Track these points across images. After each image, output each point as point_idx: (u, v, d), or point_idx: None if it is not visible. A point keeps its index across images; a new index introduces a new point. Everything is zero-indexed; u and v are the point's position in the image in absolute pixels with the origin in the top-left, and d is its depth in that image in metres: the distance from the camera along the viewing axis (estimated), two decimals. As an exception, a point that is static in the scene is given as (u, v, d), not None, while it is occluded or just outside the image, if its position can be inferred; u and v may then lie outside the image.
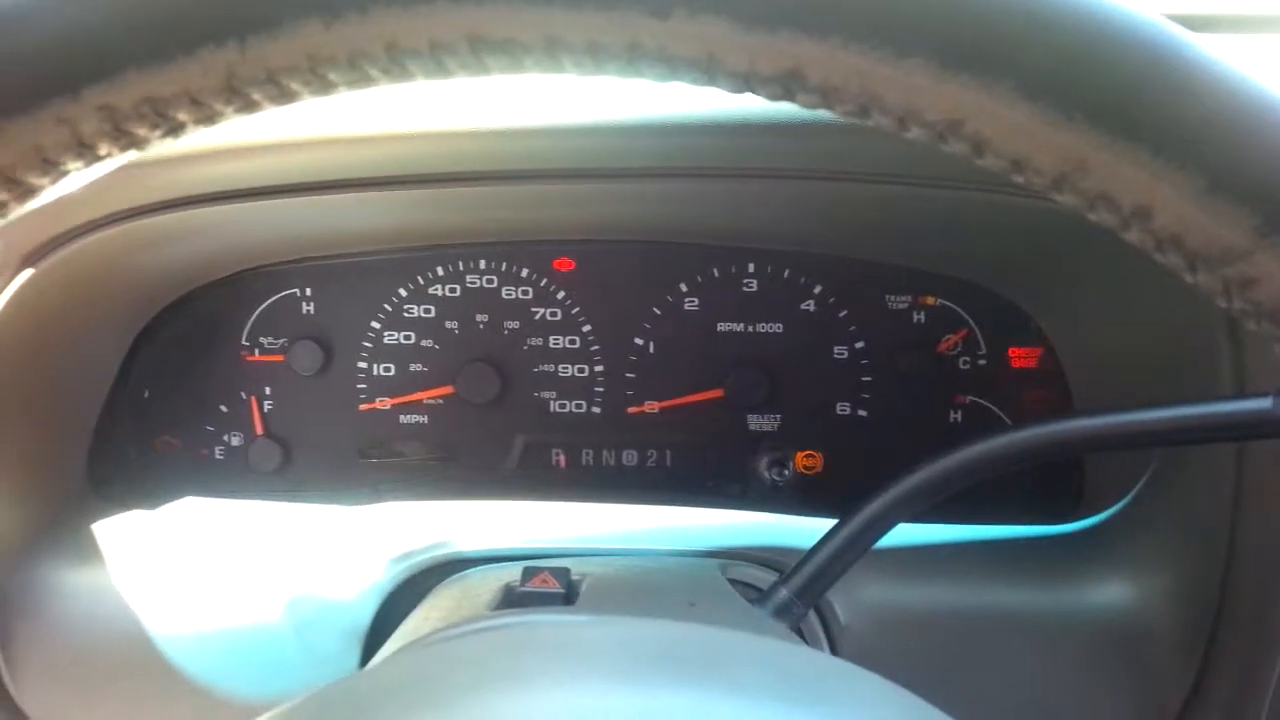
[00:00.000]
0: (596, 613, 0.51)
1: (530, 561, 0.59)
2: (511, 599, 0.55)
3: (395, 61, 0.28)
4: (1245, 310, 0.28)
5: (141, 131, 0.28)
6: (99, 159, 0.29)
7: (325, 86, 0.28)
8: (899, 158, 0.66)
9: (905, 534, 0.72)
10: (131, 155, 0.29)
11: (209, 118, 0.29)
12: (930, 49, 0.26)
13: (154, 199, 0.67)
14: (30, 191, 0.29)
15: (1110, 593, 0.71)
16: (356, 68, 0.28)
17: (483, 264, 0.84)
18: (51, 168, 0.28)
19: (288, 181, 0.69)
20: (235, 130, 0.63)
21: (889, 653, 0.68)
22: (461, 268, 0.84)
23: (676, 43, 0.27)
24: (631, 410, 0.85)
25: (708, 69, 0.27)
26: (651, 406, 0.85)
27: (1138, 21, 0.26)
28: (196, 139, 0.62)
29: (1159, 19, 0.26)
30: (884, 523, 0.62)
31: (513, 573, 0.58)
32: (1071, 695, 0.69)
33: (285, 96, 0.28)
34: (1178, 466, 0.70)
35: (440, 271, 0.84)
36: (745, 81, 0.28)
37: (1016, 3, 0.26)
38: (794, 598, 0.62)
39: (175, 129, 0.29)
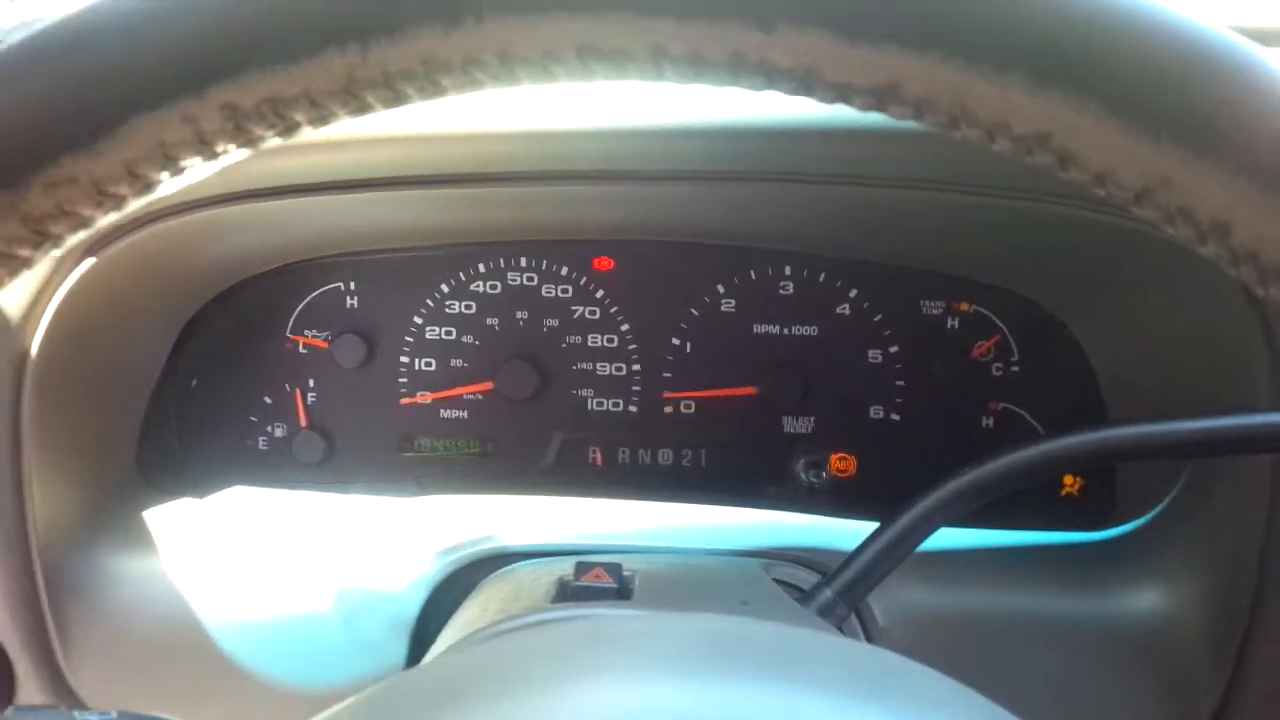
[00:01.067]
0: (657, 608, 0.52)
1: (577, 557, 0.61)
2: (567, 593, 0.56)
3: (506, 68, 0.29)
4: None
5: (259, 130, 0.29)
6: (216, 156, 0.30)
7: (436, 90, 0.30)
8: (932, 164, 0.67)
9: (942, 539, 0.73)
10: (244, 154, 0.31)
11: (323, 118, 0.30)
12: (1026, 67, 0.27)
13: (211, 193, 0.68)
14: (149, 186, 0.30)
15: (1143, 600, 0.72)
16: (468, 73, 0.29)
17: (523, 262, 0.85)
18: (172, 163, 0.29)
19: (337, 178, 0.71)
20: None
21: (925, 655, 0.69)
22: (502, 265, 0.85)
23: (777, 54, 0.28)
24: (668, 409, 0.86)
25: (805, 80, 0.29)
26: (688, 405, 0.86)
27: (1220, 42, 0.27)
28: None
29: (1239, 39, 0.28)
30: (926, 526, 0.63)
31: (564, 567, 0.60)
32: (1103, 701, 0.70)
33: (398, 99, 0.30)
34: (1211, 475, 0.71)
35: (482, 269, 0.85)
36: (841, 93, 0.29)
37: (1107, 24, 0.27)
38: (837, 598, 0.63)
39: (291, 129, 0.30)
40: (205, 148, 0.29)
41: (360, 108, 0.30)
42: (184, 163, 0.29)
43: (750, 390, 0.85)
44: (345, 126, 0.67)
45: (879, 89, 0.28)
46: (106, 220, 0.30)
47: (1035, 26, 0.27)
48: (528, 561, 0.69)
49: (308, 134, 0.66)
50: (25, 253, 0.29)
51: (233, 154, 0.30)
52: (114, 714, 0.44)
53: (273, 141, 0.30)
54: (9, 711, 0.44)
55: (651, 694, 0.31)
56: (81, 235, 0.30)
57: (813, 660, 0.34)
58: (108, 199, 0.29)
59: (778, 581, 0.67)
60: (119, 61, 0.28)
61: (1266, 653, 0.68)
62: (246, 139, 0.29)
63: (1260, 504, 0.67)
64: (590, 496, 0.79)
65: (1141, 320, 0.77)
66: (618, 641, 0.35)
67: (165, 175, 0.30)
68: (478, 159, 0.70)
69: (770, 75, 0.29)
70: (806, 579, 0.68)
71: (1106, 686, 0.71)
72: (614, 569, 0.56)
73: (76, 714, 0.44)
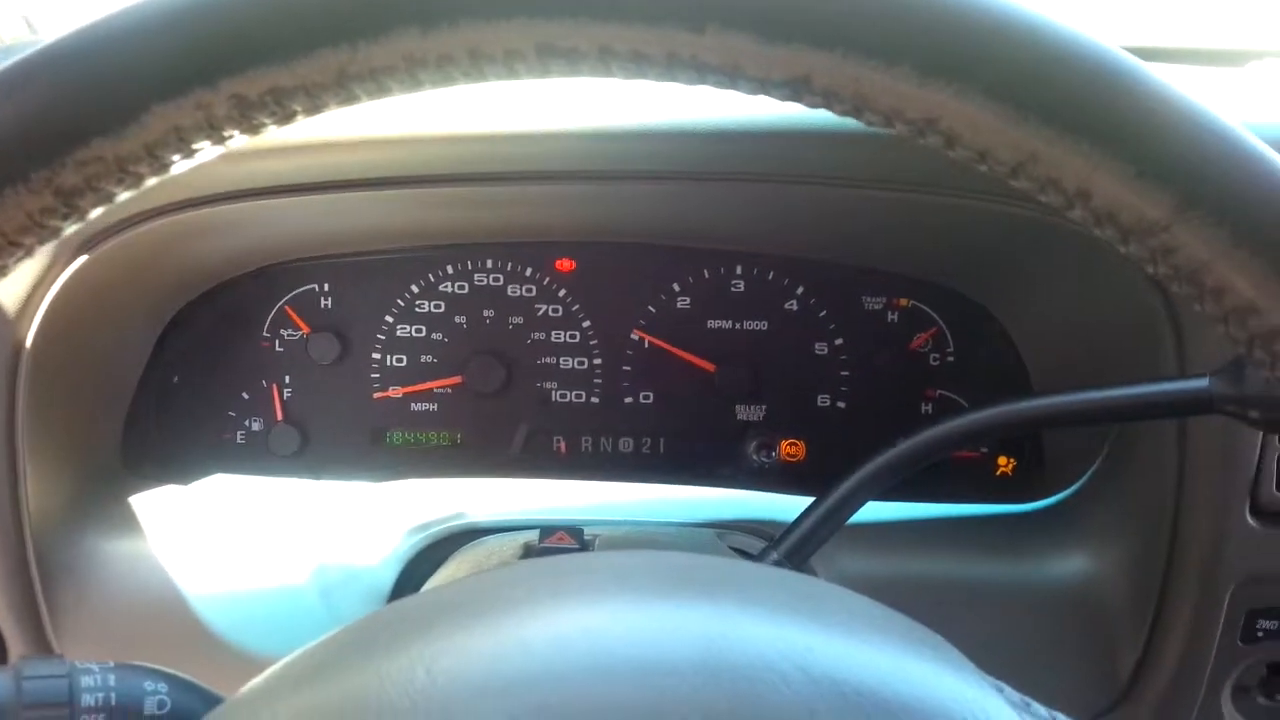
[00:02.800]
0: None
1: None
2: (533, 554, 0.61)
3: (475, 65, 0.34)
4: (1168, 274, 0.34)
5: (262, 118, 0.34)
6: (224, 140, 0.35)
7: (415, 84, 0.35)
8: (872, 164, 0.73)
9: (883, 511, 0.79)
10: (247, 140, 0.35)
11: (318, 108, 0.35)
12: (913, 60, 0.32)
13: (195, 194, 0.73)
14: (165, 166, 0.35)
15: (1068, 565, 0.78)
16: (443, 70, 0.34)
17: (489, 263, 0.90)
18: (185, 146, 0.34)
19: (312, 180, 0.75)
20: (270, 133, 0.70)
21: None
22: (469, 266, 0.90)
23: (707, 53, 0.33)
24: (628, 400, 0.92)
25: (731, 75, 0.34)
26: (646, 396, 0.91)
27: (1083, 41, 0.33)
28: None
29: (1099, 39, 0.33)
30: (862, 494, 0.69)
31: (530, 536, 0.64)
32: (1033, 660, 0.76)
33: (382, 92, 0.35)
34: (1128, 448, 0.78)
35: (450, 270, 0.90)
36: (761, 86, 0.34)
37: (985, 23, 0.32)
38: (783, 560, 0.68)
39: (289, 117, 0.35)
40: (215, 132, 0.34)
41: (349, 99, 0.35)
42: (196, 145, 0.34)
43: (709, 367, 0.90)
44: (319, 130, 0.72)
45: (793, 82, 0.34)
46: (127, 195, 0.35)
47: (921, 26, 0.32)
48: (496, 535, 0.73)
49: (283, 137, 0.71)
50: (54, 223, 0.34)
51: (238, 139, 0.35)
52: (112, 664, 0.48)
53: (272, 128, 0.35)
54: (16, 660, 0.47)
55: (606, 612, 0.35)
56: (100, 210, 0.35)
57: (752, 582, 0.39)
58: (128, 176, 0.34)
59: (730, 548, 0.72)
60: (144, 57, 0.32)
61: (1181, 610, 0.74)
62: (250, 125, 0.34)
63: (1169, 475, 0.73)
64: (557, 480, 0.84)
65: (1061, 309, 0.83)
66: (580, 571, 0.40)
67: (178, 157, 0.34)
68: (446, 160, 0.75)
69: (701, 71, 0.34)
70: (757, 546, 0.73)
71: (1036, 645, 0.76)
72: (576, 532, 0.61)
73: (78, 664, 0.47)
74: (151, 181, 0.35)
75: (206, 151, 0.35)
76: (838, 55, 0.33)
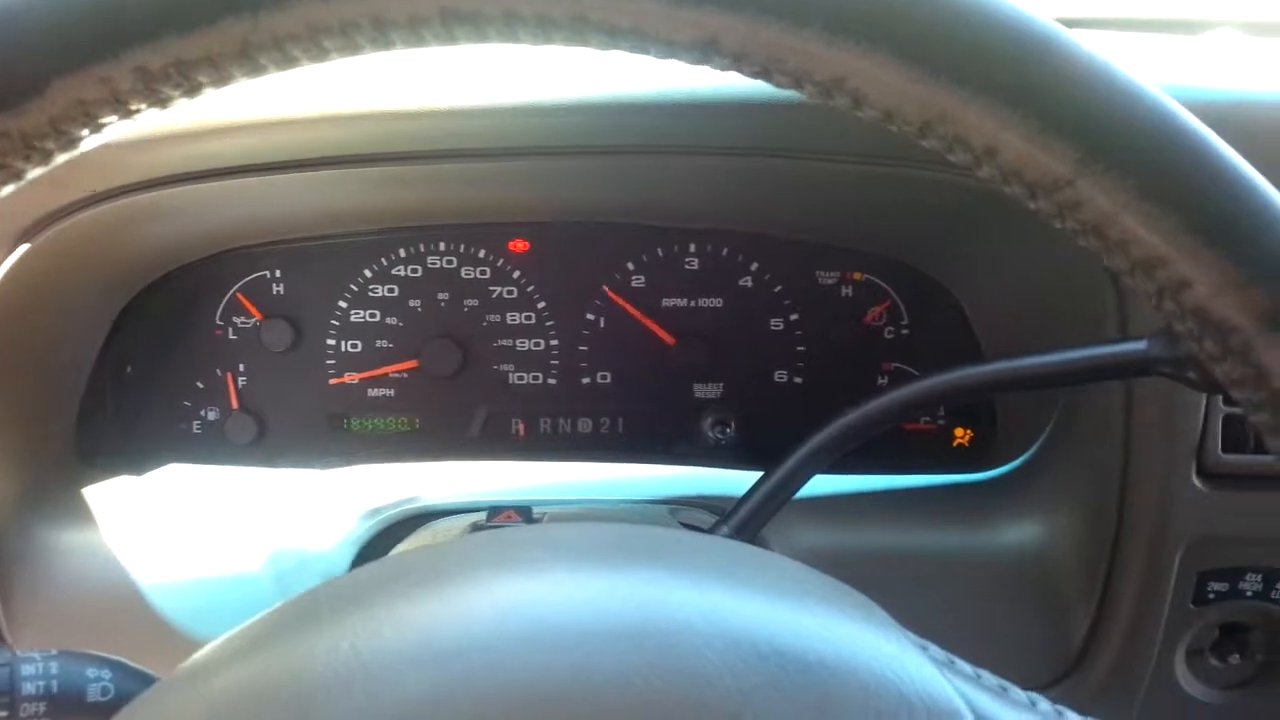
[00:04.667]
0: None
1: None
2: (479, 530, 0.61)
3: (380, 31, 0.34)
4: (1075, 228, 0.35)
5: (167, 90, 0.34)
6: (131, 114, 0.34)
7: (321, 54, 0.34)
8: (818, 136, 0.73)
9: (838, 483, 0.79)
10: (155, 112, 0.35)
11: (223, 79, 0.34)
12: (823, 21, 0.32)
13: (138, 177, 0.72)
14: (72, 142, 0.34)
15: (1020, 533, 0.78)
16: (348, 36, 0.34)
17: (442, 246, 0.90)
18: (91, 121, 0.34)
19: (258, 161, 0.74)
20: (211, 111, 0.69)
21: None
22: (422, 249, 0.90)
23: (616, 16, 0.33)
24: (585, 381, 0.92)
25: (640, 38, 0.34)
26: (604, 376, 0.91)
27: (989, 2, 0.33)
28: (175, 120, 0.68)
29: (1006, 2, 0.33)
30: (811, 466, 0.69)
31: (478, 517, 0.64)
32: (987, 626, 0.77)
33: (288, 62, 0.34)
34: (1075, 415, 0.78)
35: (402, 253, 0.90)
36: (670, 48, 0.34)
37: None
38: (733, 535, 0.69)
39: (195, 89, 0.34)
40: (120, 106, 0.33)
41: (255, 69, 0.34)
42: (102, 120, 0.34)
43: (669, 340, 0.91)
44: (265, 109, 0.72)
45: (701, 44, 0.34)
46: (38, 171, 0.34)
47: None
48: (448, 517, 0.73)
49: (228, 117, 0.71)
50: None
51: (145, 112, 0.34)
52: (55, 652, 0.48)
53: (181, 101, 0.35)
54: None
55: (535, 582, 0.35)
56: (11, 188, 0.34)
57: (681, 549, 0.39)
58: (35, 152, 0.33)
59: (683, 525, 0.72)
60: (42, 30, 0.32)
61: (1131, 574, 0.75)
62: (157, 98, 0.34)
63: (1116, 440, 0.74)
64: (514, 461, 0.84)
65: (1010, 280, 0.84)
66: (505, 543, 0.40)
67: (86, 132, 0.34)
68: (396, 138, 0.74)
69: (611, 34, 0.34)
70: (709, 521, 0.73)
71: (990, 611, 0.77)
72: (525, 512, 0.61)
73: (20, 652, 0.47)
74: (61, 158, 0.35)
75: (116, 127, 0.35)
76: (746, 17, 0.33)
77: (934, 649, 0.38)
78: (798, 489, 0.68)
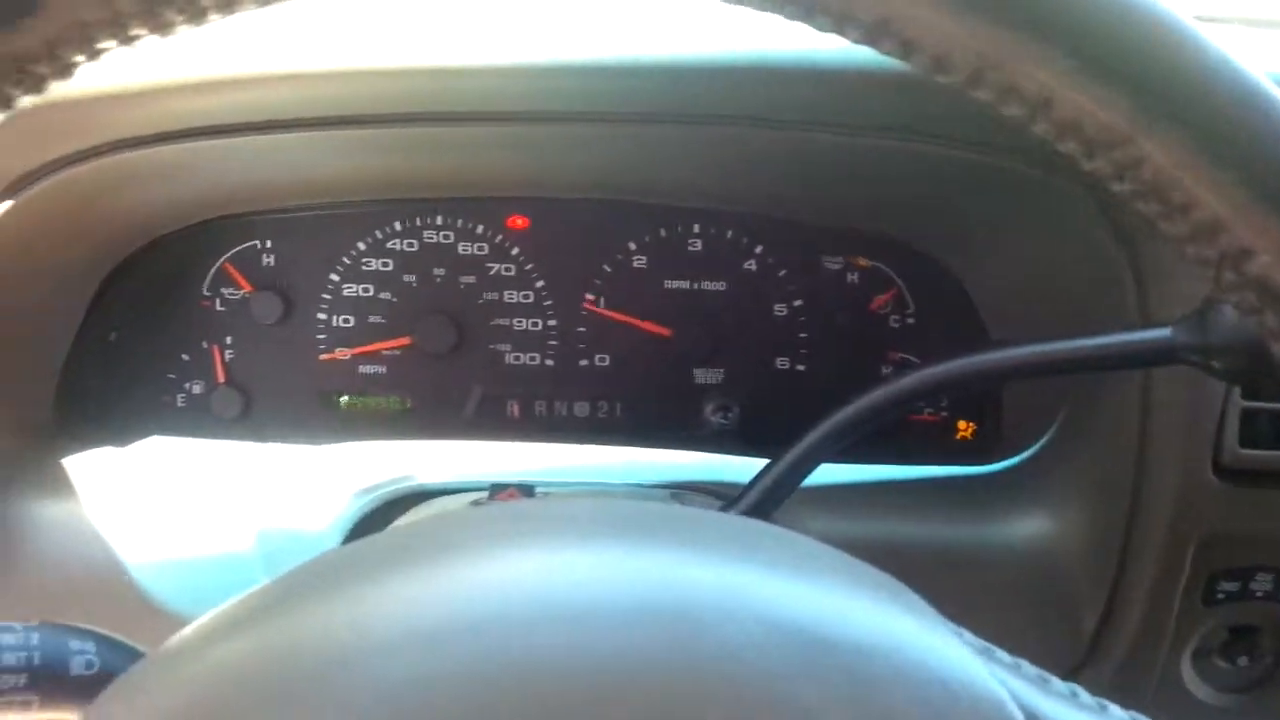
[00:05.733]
0: None
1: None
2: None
3: None
4: (1133, 191, 0.33)
5: (170, 14, 0.31)
6: (130, 40, 0.32)
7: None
8: (827, 106, 0.71)
9: (846, 473, 0.77)
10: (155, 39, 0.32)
11: (229, 5, 0.32)
12: None
13: (127, 133, 0.69)
14: (67, 68, 0.32)
15: (1028, 527, 0.77)
16: None
17: (439, 220, 0.88)
18: (89, 45, 0.31)
19: (251, 119, 0.72)
20: (201, 65, 0.67)
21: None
22: (419, 223, 0.87)
23: None
24: (583, 363, 0.89)
25: None
26: (602, 359, 0.89)
27: None
28: (165, 74, 0.65)
29: None
30: (819, 453, 0.67)
31: (479, 495, 0.62)
32: (995, 621, 0.75)
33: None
34: (1089, 407, 0.77)
35: (398, 226, 0.87)
36: None
37: None
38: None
39: (199, 14, 0.32)
40: (120, 30, 0.31)
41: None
42: (100, 44, 0.31)
43: (664, 331, 0.88)
44: (257, 63, 0.69)
45: None
46: (26, 99, 0.32)
47: None
48: (445, 496, 0.71)
49: (221, 71, 0.68)
50: None
51: (144, 39, 0.32)
52: (36, 624, 0.45)
53: (182, 28, 0.32)
54: None
55: (545, 556, 0.33)
56: (1, 116, 0.32)
57: (700, 526, 0.37)
58: (27, 78, 0.31)
59: (685, 509, 0.70)
60: None
61: (1142, 570, 0.74)
62: (159, 22, 0.31)
63: (1131, 433, 0.72)
64: (509, 442, 0.82)
65: (1020, 266, 0.82)
66: (514, 517, 0.38)
67: (82, 57, 0.32)
68: (391, 97, 0.72)
69: None
70: (713, 507, 0.71)
71: (998, 606, 0.75)
72: (527, 490, 0.59)
73: None
74: (51, 85, 0.32)
75: (113, 53, 0.33)
76: None
77: (969, 636, 0.37)
78: (805, 476, 0.67)
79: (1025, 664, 0.37)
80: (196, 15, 0.32)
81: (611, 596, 0.31)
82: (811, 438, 0.66)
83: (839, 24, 0.32)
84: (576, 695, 0.28)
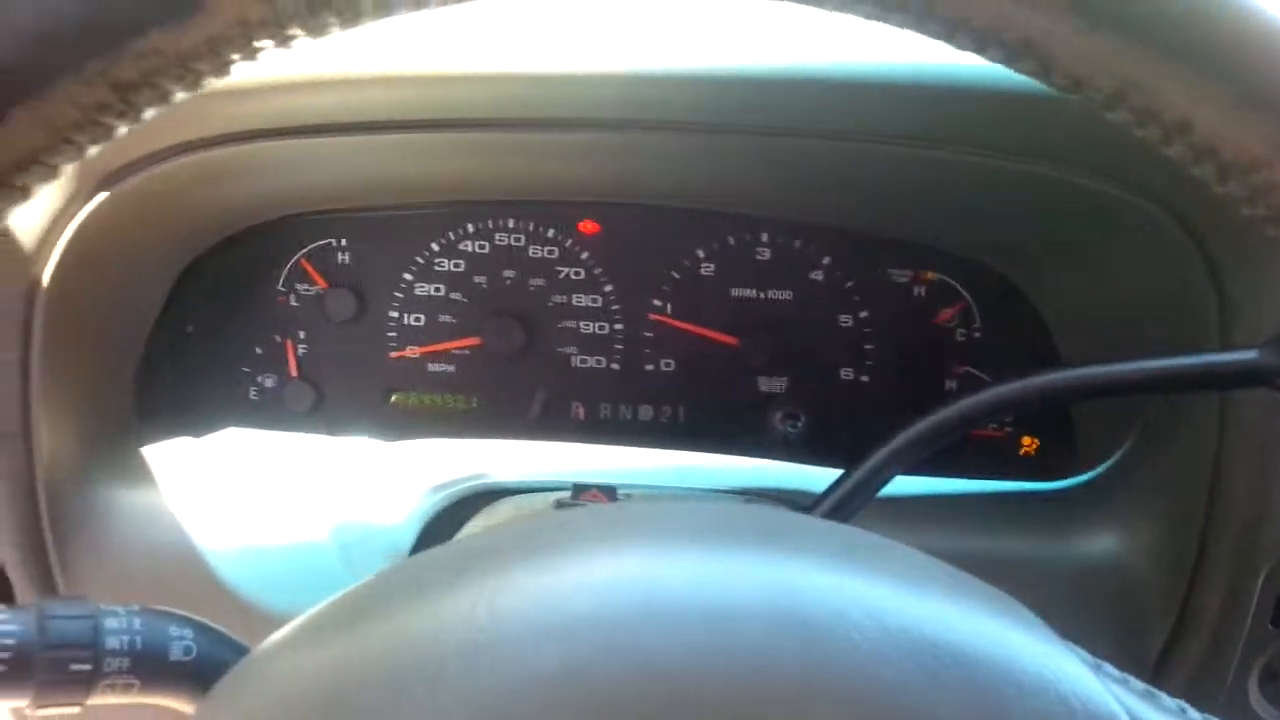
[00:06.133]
0: None
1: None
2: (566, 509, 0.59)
3: None
4: (1268, 216, 0.33)
5: (329, 17, 0.32)
6: (288, 41, 0.32)
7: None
8: (903, 120, 0.71)
9: (916, 485, 0.77)
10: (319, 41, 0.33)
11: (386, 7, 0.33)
12: None
13: (218, 131, 0.71)
14: (225, 67, 0.32)
15: (1097, 544, 0.76)
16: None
17: (511, 223, 0.89)
18: (248, 45, 0.32)
19: (335, 120, 0.73)
20: (292, 66, 0.68)
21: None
22: (491, 225, 0.88)
23: None
24: (649, 368, 0.90)
25: None
26: (668, 364, 0.90)
27: None
28: (260, 74, 0.67)
29: None
30: (894, 465, 0.68)
31: (560, 495, 0.63)
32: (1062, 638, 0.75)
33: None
34: (1164, 426, 0.76)
35: (471, 228, 0.88)
36: None
37: None
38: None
39: (354, 18, 0.33)
40: (280, 31, 0.32)
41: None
42: (259, 44, 0.32)
43: (731, 340, 0.89)
44: (343, 66, 0.70)
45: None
46: (184, 95, 0.33)
47: None
48: (523, 494, 0.72)
49: (308, 72, 0.69)
50: (109, 120, 0.32)
51: (303, 41, 0.33)
52: (137, 607, 0.46)
53: (336, 31, 0.33)
54: (38, 601, 0.46)
55: (667, 557, 0.34)
56: (153, 111, 0.33)
57: (814, 533, 0.38)
58: (188, 74, 0.32)
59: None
60: None
61: (1213, 592, 0.73)
62: (316, 24, 0.32)
63: (1207, 454, 0.72)
64: (575, 444, 0.82)
65: (1095, 286, 0.81)
66: (630, 518, 0.38)
67: (240, 56, 0.32)
68: (473, 103, 0.73)
69: None
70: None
71: (1064, 625, 0.75)
72: (609, 491, 0.60)
73: (103, 606, 0.46)
74: (211, 81, 0.33)
75: (272, 54, 0.33)
76: None
77: (1082, 651, 0.37)
78: (880, 488, 0.67)
79: (1132, 679, 0.37)
80: (352, 18, 0.32)
81: (733, 601, 0.31)
82: (886, 449, 0.66)
83: (981, 44, 0.32)
84: (713, 697, 0.28)
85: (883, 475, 0.67)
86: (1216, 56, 0.31)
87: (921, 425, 0.66)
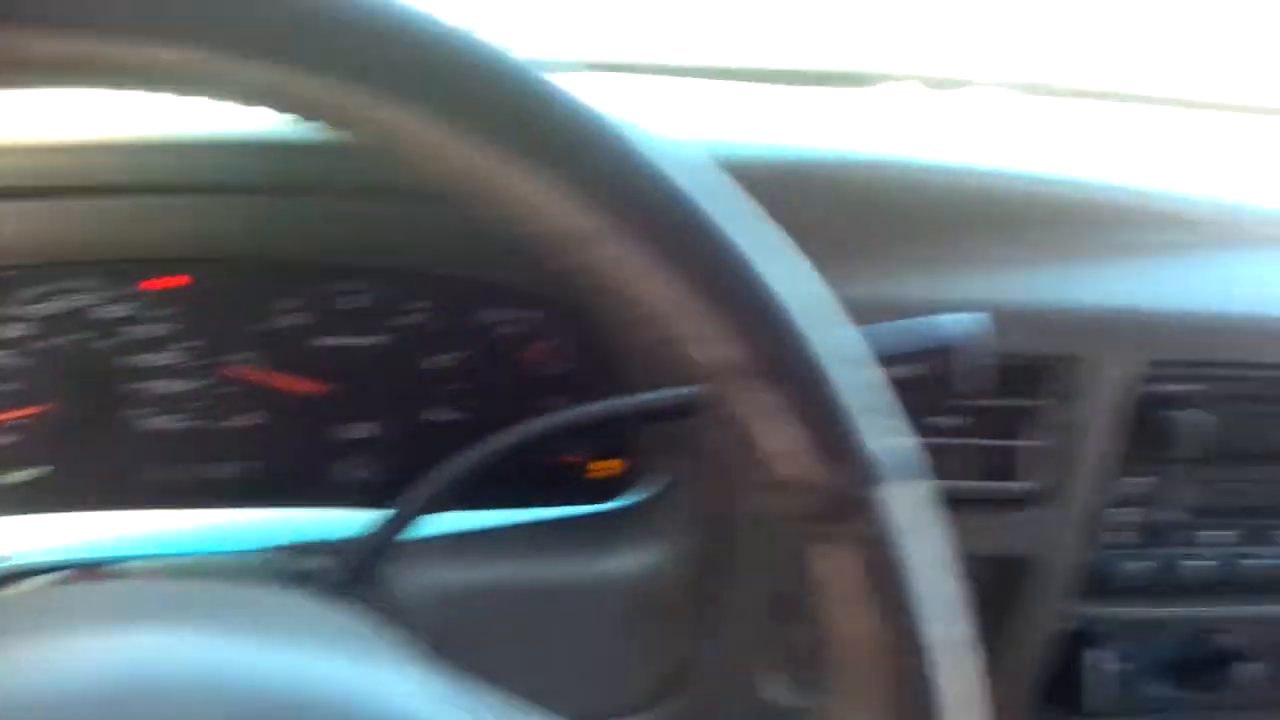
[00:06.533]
0: None
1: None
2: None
3: None
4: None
5: None
6: None
7: None
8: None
9: (470, 520, 0.80)
10: None
11: None
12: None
13: None
14: None
15: (631, 562, 0.82)
16: None
17: (81, 282, 0.86)
18: None
19: None
20: None
21: (442, 629, 0.76)
22: (58, 286, 0.85)
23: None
24: (232, 424, 0.89)
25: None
26: (251, 419, 0.89)
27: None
28: None
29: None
30: (434, 503, 0.70)
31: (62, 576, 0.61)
32: (601, 652, 0.79)
33: None
34: (696, 455, 0.82)
35: (37, 290, 0.85)
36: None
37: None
38: (348, 577, 0.68)
39: None
40: None
41: None
42: None
43: (319, 387, 0.89)
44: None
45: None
46: None
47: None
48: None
49: None
50: None
51: None
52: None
53: None
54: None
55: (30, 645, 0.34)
56: None
57: (189, 602, 0.39)
58: None
59: (292, 571, 0.71)
60: None
61: (736, 599, 0.79)
62: None
63: (727, 477, 0.78)
64: (154, 510, 0.80)
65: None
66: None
67: None
68: (38, 171, 0.71)
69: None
70: (330, 564, 0.72)
71: (604, 637, 0.80)
72: (94, 567, 0.59)
73: None
74: None
75: None
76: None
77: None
78: (408, 527, 0.69)
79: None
80: None
81: (76, 685, 0.32)
82: (422, 489, 0.69)
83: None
84: None
85: (417, 516, 0.69)
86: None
87: (451, 467, 0.69)
